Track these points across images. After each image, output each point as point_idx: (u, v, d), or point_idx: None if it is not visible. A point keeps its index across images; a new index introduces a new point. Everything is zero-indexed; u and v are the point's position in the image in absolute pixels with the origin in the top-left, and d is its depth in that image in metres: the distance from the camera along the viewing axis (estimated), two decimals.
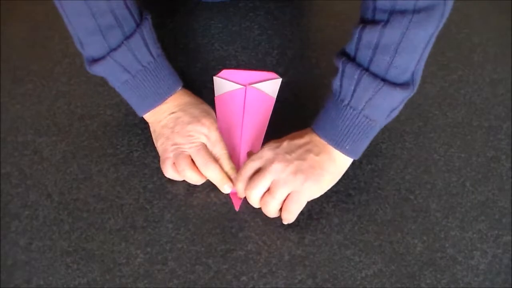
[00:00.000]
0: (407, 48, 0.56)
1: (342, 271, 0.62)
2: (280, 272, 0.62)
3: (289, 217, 0.63)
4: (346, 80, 0.59)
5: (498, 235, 0.65)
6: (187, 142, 0.65)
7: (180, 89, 0.69)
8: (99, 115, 0.74)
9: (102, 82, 0.77)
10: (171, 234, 0.64)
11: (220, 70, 0.79)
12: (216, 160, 0.66)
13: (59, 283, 0.61)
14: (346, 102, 0.60)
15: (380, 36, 0.56)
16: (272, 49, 0.82)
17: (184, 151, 0.65)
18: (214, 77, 0.78)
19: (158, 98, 0.66)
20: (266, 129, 0.73)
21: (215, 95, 0.76)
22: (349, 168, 0.69)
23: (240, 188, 0.64)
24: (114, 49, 0.62)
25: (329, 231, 0.65)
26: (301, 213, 0.65)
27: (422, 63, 0.59)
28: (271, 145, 0.63)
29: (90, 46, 0.63)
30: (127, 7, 0.62)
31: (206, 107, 0.69)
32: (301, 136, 0.63)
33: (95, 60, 0.63)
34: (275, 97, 0.76)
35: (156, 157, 0.69)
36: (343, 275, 0.62)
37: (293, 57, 0.81)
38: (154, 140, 0.69)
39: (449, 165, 0.70)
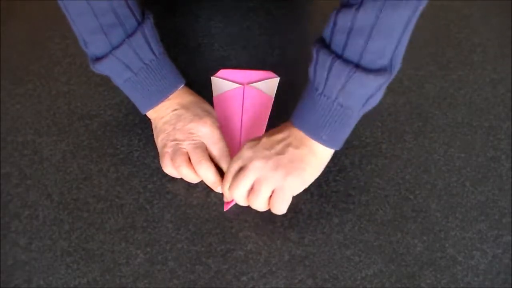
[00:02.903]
0: (382, 31, 0.54)
1: (342, 271, 0.62)
2: (280, 272, 0.62)
3: (278, 213, 0.62)
4: (319, 68, 0.58)
5: (498, 235, 0.65)
6: (186, 139, 0.66)
7: (183, 87, 0.69)
8: (99, 115, 0.74)
9: (102, 82, 0.77)
10: (171, 234, 0.64)
11: (218, 70, 0.79)
12: (216, 159, 0.66)
13: (59, 283, 0.61)
14: (320, 90, 0.58)
15: (353, 19, 0.54)
16: (272, 49, 0.82)
17: (182, 147, 0.65)
18: (212, 77, 0.78)
19: (160, 96, 0.67)
20: (265, 128, 0.73)
21: (214, 95, 0.76)
22: (349, 168, 0.69)
23: (225, 189, 0.64)
24: (116, 47, 0.63)
25: (329, 231, 0.65)
26: (301, 213, 0.66)
27: (402, 48, 0.56)
28: (250, 143, 0.63)
29: (93, 45, 0.63)
30: (128, 6, 0.62)
31: (208, 106, 0.70)
32: (280, 131, 0.62)
33: (98, 59, 0.64)
34: (274, 96, 0.76)
35: (156, 157, 0.69)
36: (343, 275, 0.62)
37: (293, 57, 0.81)
38: (155, 136, 0.69)
39: (449, 165, 0.70)
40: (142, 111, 0.68)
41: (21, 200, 0.67)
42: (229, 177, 0.63)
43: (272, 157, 0.60)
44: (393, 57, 0.56)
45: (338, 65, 0.56)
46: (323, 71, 0.57)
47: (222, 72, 0.79)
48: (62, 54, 0.81)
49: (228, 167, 0.64)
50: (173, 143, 0.66)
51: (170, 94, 0.67)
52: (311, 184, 0.66)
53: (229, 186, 0.63)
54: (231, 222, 0.65)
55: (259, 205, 0.62)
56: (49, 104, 0.76)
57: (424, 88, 0.78)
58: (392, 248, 0.64)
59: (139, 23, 0.64)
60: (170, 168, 0.66)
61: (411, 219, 0.66)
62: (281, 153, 0.60)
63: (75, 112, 0.75)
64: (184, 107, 0.67)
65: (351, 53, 0.55)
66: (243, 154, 0.62)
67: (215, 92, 0.76)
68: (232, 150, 0.70)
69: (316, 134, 0.60)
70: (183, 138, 0.66)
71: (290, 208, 0.66)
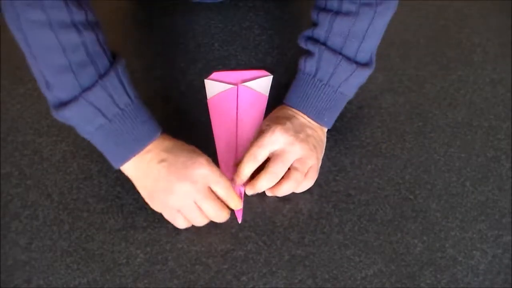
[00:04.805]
0: (372, 34, 0.65)
1: (342, 271, 0.62)
2: (280, 272, 0.62)
3: (306, 188, 0.67)
4: (324, 64, 0.66)
5: (498, 235, 0.65)
6: (193, 191, 0.60)
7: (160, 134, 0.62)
8: None
9: None
10: (171, 234, 0.64)
11: (215, 71, 0.79)
12: (224, 199, 0.63)
13: (59, 283, 0.61)
14: (324, 81, 0.66)
15: (351, 27, 0.64)
16: (272, 49, 0.82)
17: (192, 203, 0.60)
18: (205, 80, 0.78)
19: (138, 146, 0.60)
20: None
21: (208, 97, 0.76)
22: (349, 168, 0.69)
23: (244, 170, 0.64)
24: (88, 89, 0.56)
25: (329, 231, 0.65)
26: (301, 213, 0.66)
27: (377, 44, 0.68)
28: (281, 128, 0.65)
29: (59, 87, 0.56)
30: (100, 44, 0.57)
31: (191, 146, 0.63)
32: (288, 117, 0.67)
33: (64, 104, 0.56)
34: (267, 94, 0.76)
35: None
36: (343, 275, 0.62)
37: (293, 57, 0.81)
38: (147, 198, 0.62)
39: (449, 165, 0.70)
40: (116, 165, 0.61)
41: (21, 200, 0.67)
42: (257, 157, 0.64)
43: (306, 139, 0.65)
44: (373, 52, 0.68)
45: (344, 62, 0.65)
46: (329, 66, 0.66)
47: (215, 75, 0.78)
48: None
49: (255, 150, 0.64)
50: (180, 202, 0.60)
51: (150, 143, 0.60)
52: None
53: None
54: (231, 222, 0.65)
55: (298, 183, 0.65)
56: None
57: (424, 88, 0.78)
58: (392, 248, 0.64)
59: (112, 63, 0.58)
60: (184, 224, 0.62)
61: (411, 219, 0.66)
62: (310, 135, 0.66)
63: None
64: (171, 153, 0.60)
65: (349, 52, 0.66)
66: (277, 138, 0.64)
67: (209, 94, 0.76)
68: (229, 152, 0.70)
69: (320, 117, 0.68)
70: (190, 190, 0.60)
71: (290, 208, 0.66)
